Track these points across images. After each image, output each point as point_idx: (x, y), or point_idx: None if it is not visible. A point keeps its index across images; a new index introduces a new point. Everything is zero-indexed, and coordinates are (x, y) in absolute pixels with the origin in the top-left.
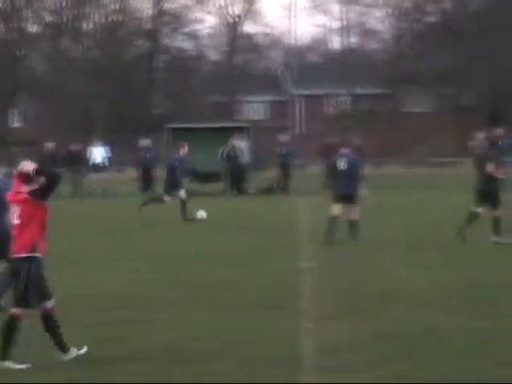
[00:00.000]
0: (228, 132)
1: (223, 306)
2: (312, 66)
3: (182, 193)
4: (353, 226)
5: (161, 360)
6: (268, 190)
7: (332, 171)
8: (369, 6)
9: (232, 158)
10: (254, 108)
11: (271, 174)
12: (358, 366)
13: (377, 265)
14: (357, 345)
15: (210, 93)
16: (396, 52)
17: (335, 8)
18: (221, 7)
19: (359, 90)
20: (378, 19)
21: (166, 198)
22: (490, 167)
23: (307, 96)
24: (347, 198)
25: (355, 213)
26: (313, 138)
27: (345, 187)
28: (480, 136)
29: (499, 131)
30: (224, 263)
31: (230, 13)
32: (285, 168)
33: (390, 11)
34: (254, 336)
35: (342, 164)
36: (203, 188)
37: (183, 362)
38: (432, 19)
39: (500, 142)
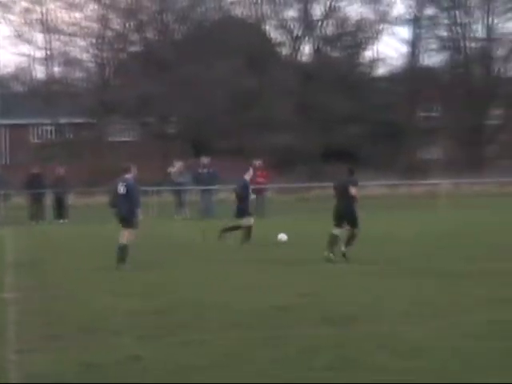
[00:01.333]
0: None
1: None
2: (16, 95)
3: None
4: (122, 250)
5: None
6: None
7: (113, 196)
8: (72, 35)
9: None
10: None
11: None
12: None
13: (82, 294)
14: (64, 375)
15: None
16: (100, 81)
17: (39, 37)
18: None
19: (64, 120)
20: (82, 48)
21: (241, 222)
22: (353, 190)
23: (11, 125)
24: (123, 221)
25: (126, 236)
26: (17, 167)
27: (121, 210)
28: (178, 164)
29: (205, 160)
30: None
31: None
32: None
33: (93, 40)
34: None
35: (121, 189)
36: None
37: None
38: (136, 48)
39: (203, 170)
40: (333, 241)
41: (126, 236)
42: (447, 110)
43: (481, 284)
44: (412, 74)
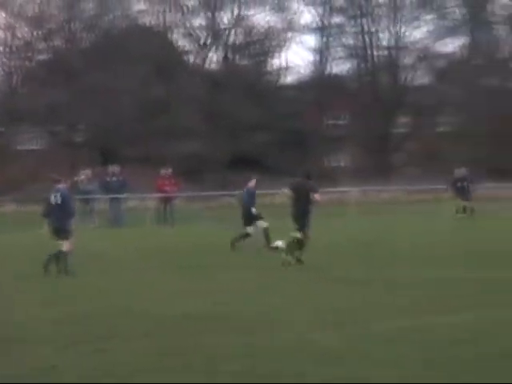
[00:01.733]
0: None
1: None
2: None
3: (263, 222)
4: (61, 257)
5: None
6: None
7: (47, 206)
8: None
9: None
10: None
11: None
12: None
13: (10, 303)
14: None
15: None
16: (7, 90)
17: None
18: None
19: None
20: None
21: (250, 230)
22: (317, 197)
23: None
24: (58, 232)
25: (64, 246)
26: None
27: (56, 221)
28: (85, 172)
29: (114, 168)
30: None
31: None
32: None
33: (1, 49)
34: None
35: (55, 199)
36: None
37: None
38: (43, 57)
39: (112, 178)
40: (295, 245)
41: (66, 245)
42: (355, 118)
43: (392, 291)
44: (320, 83)
